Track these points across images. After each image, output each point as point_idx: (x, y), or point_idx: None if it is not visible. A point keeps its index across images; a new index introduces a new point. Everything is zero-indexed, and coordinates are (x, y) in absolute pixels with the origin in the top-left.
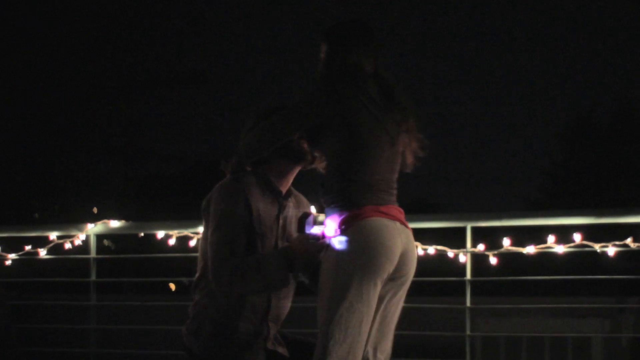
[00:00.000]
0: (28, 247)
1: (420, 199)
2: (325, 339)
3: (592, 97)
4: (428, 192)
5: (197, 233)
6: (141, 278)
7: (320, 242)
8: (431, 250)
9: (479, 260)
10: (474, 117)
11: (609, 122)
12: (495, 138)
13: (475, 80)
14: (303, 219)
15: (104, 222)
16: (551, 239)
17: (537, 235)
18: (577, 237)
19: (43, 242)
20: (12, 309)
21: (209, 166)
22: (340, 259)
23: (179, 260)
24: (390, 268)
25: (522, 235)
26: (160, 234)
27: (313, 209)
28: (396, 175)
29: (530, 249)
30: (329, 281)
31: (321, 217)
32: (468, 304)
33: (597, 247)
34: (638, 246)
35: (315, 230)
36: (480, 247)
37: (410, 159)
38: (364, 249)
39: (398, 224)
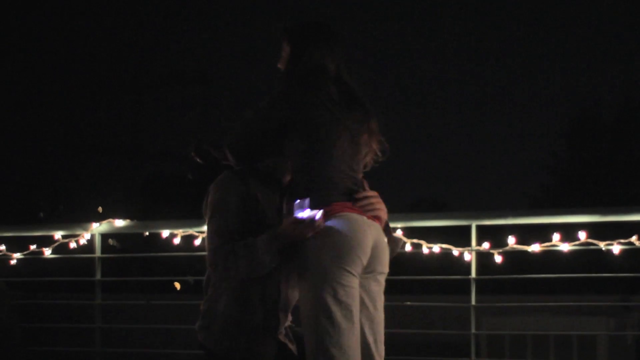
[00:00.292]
0: (33, 247)
1: (425, 198)
2: (316, 334)
3: (597, 94)
4: (433, 191)
5: (202, 232)
6: (146, 277)
7: (310, 224)
8: (436, 248)
9: (484, 258)
10: (478, 116)
11: (614, 120)
12: (500, 136)
13: (481, 78)
14: (295, 203)
15: (109, 222)
16: (556, 237)
17: (542, 233)
18: (582, 235)
19: (48, 241)
20: (17, 308)
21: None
22: (314, 255)
23: (184, 259)
24: (364, 259)
25: (527, 234)
26: (165, 233)
27: None
28: (361, 174)
29: (535, 247)
30: (307, 278)
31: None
32: (473, 302)
33: (602, 245)
34: None
35: (306, 214)
36: (485, 245)
37: (369, 160)
38: (337, 242)
39: (366, 218)
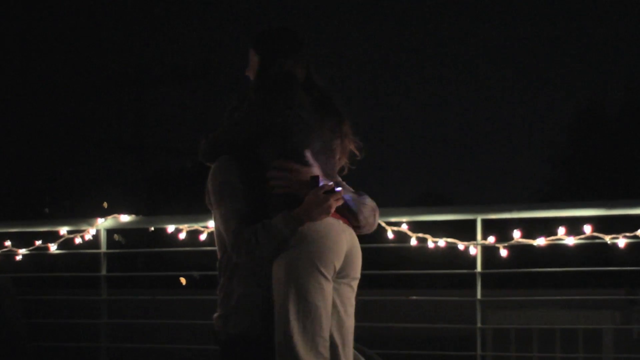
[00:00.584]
0: (38, 242)
1: (430, 192)
2: (284, 331)
3: (600, 88)
4: (438, 185)
5: (207, 227)
6: (152, 272)
7: (332, 193)
8: (441, 242)
9: (489, 252)
10: (483, 110)
11: (618, 113)
12: (505, 130)
13: (484, 73)
14: (314, 178)
15: (114, 217)
16: (561, 230)
17: (547, 227)
18: (588, 229)
19: (53, 237)
20: (22, 303)
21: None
22: (289, 259)
23: (190, 255)
24: (337, 264)
25: (533, 227)
26: (170, 228)
27: None
28: (337, 177)
29: (541, 241)
30: (281, 279)
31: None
32: (479, 296)
33: (608, 238)
34: None
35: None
36: (491, 239)
37: (345, 162)
38: (312, 246)
39: (341, 222)
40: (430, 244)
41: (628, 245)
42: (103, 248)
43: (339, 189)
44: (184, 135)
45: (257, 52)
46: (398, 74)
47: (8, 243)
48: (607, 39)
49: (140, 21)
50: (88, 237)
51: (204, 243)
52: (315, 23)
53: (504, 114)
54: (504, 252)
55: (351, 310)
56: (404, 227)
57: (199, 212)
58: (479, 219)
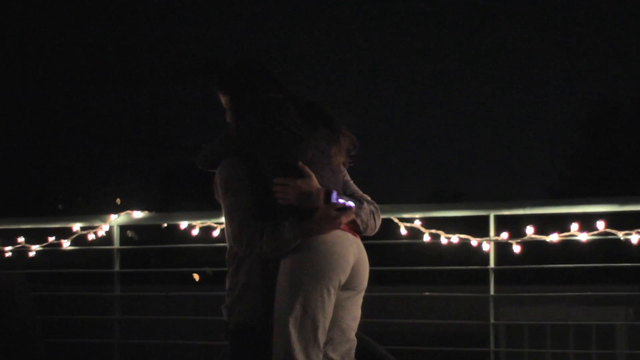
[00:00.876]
0: (51, 238)
1: (443, 189)
2: (283, 341)
3: (613, 83)
4: (451, 182)
5: (220, 223)
6: (164, 269)
7: (344, 210)
8: (455, 239)
9: (502, 248)
10: (496, 106)
11: (632, 109)
12: (519, 127)
13: (498, 68)
14: (328, 194)
15: (127, 213)
16: (574, 227)
17: (560, 223)
18: (601, 225)
19: (66, 233)
20: (35, 300)
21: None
22: (295, 269)
23: (203, 251)
24: (343, 277)
25: (546, 224)
26: (183, 225)
27: None
28: (341, 186)
29: (554, 237)
30: (285, 289)
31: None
32: (492, 292)
33: (621, 234)
34: None
35: (341, 200)
36: (504, 235)
37: (346, 162)
38: (318, 259)
39: (349, 234)
40: (444, 240)
41: None
42: (116, 244)
43: (351, 204)
44: (197, 131)
45: (225, 93)
46: (414, 70)
47: (21, 239)
48: (621, 35)
49: (158, 16)
50: (101, 233)
51: (217, 239)
52: (331, 14)
53: (517, 110)
54: (517, 248)
55: (353, 323)
56: (417, 223)
57: (212, 209)
58: (492, 215)
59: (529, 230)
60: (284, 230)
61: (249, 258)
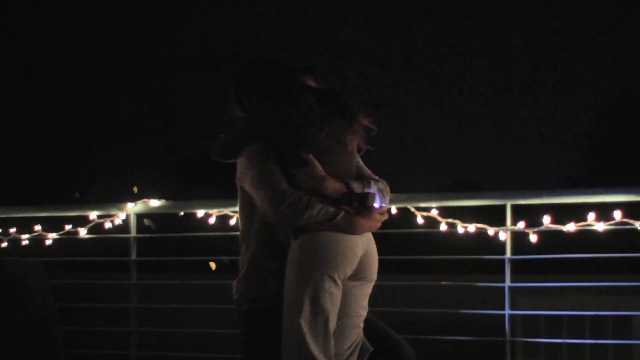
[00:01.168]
0: (68, 227)
1: (460, 178)
2: (293, 333)
3: (631, 72)
4: (468, 171)
5: (236, 212)
6: (181, 257)
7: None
8: (471, 228)
9: (519, 238)
10: (513, 95)
11: None
12: (535, 116)
13: (515, 58)
14: (366, 196)
15: (144, 202)
16: (591, 216)
17: (577, 212)
18: (618, 215)
19: (83, 221)
20: (52, 288)
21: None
22: (302, 259)
23: (219, 239)
24: (350, 269)
25: (562, 213)
26: (200, 213)
27: None
28: (354, 174)
29: (571, 227)
30: (292, 279)
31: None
32: (508, 282)
33: (638, 224)
34: None
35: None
36: (521, 224)
37: (362, 146)
38: (326, 250)
39: None
40: (460, 229)
41: None
42: (133, 232)
43: (385, 205)
44: (214, 120)
45: (248, 94)
46: (432, 61)
47: (38, 227)
48: (638, 23)
49: (173, 5)
50: (118, 221)
51: (234, 228)
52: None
53: (534, 99)
54: (533, 238)
55: (362, 312)
56: (434, 213)
57: (229, 197)
58: (509, 204)
59: (546, 219)
60: (320, 212)
61: (257, 237)
